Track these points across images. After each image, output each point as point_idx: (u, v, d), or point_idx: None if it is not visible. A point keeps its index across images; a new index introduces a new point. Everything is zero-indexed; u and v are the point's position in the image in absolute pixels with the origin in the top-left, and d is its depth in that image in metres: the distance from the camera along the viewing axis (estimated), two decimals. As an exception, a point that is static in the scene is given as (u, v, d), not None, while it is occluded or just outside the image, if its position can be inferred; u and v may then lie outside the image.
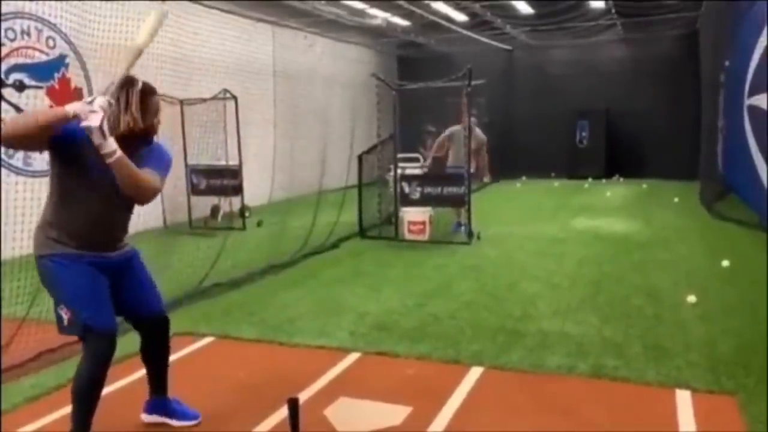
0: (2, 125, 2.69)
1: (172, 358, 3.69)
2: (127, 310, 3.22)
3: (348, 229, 9.06)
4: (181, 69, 9.49)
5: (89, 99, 2.78)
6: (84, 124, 2.70)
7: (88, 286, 2.98)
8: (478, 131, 9.32)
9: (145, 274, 3.28)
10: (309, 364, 4.29)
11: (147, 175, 2.92)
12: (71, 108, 2.73)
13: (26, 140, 2.79)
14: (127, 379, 3.97)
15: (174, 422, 3.43)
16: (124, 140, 2.84)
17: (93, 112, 2.71)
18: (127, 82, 2.94)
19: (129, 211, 3.15)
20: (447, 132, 9.32)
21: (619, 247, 8.05)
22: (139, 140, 3.00)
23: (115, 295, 3.10)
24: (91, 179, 2.91)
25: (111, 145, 2.75)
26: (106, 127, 2.73)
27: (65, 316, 2.97)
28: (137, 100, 2.94)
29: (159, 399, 3.44)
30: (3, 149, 8.17)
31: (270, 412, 3.53)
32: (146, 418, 3.47)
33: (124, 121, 2.90)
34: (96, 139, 2.72)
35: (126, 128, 2.90)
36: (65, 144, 2.84)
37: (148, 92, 3.01)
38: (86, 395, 2.98)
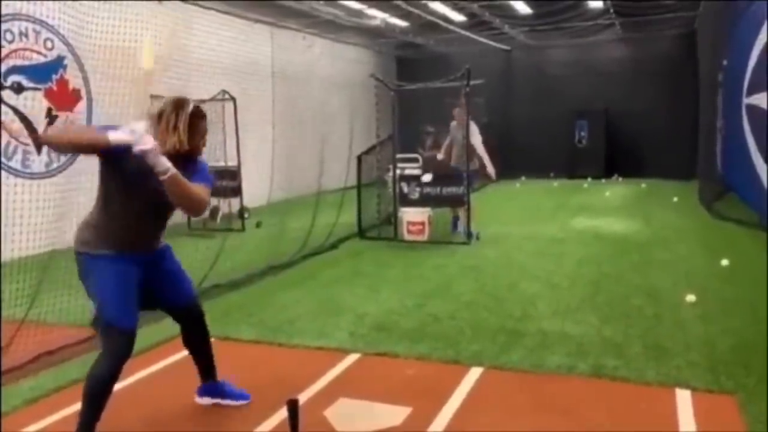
0: (48, 132, 2.91)
1: (172, 359, 3.71)
2: (167, 303, 3.42)
3: (347, 230, 9.06)
4: (179, 70, 9.47)
5: (131, 126, 2.90)
6: (138, 149, 2.84)
7: (118, 286, 3.11)
8: (474, 128, 9.20)
9: (177, 266, 3.46)
10: (308, 365, 4.29)
11: (198, 188, 3.08)
12: (114, 137, 2.87)
13: (66, 151, 3.08)
14: (134, 377, 3.96)
15: (226, 402, 3.65)
16: (168, 158, 2.95)
17: (142, 137, 2.85)
18: (178, 105, 3.10)
19: (166, 219, 3.32)
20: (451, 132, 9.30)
21: (618, 247, 8.05)
22: (183, 159, 3.11)
23: (151, 287, 3.26)
24: (132, 188, 3.07)
25: (165, 163, 2.90)
26: (157, 148, 2.89)
27: (94, 311, 3.13)
28: (186, 122, 3.09)
29: (210, 383, 3.64)
30: (2, 150, 8.16)
31: (270, 413, 3.53)
32: (200, 400, 3.67)
33: (171, 142, 3.05)
34: (151, 159, 2.87)
35: (172, 149, 3.04)
36: (115, 155, 2.97)
37: (197, 115, 3.17)
38: (99, 392, 3.08)
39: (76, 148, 3.18)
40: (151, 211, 3.17)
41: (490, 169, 9.27)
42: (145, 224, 3.21)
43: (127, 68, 6.73)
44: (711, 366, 4.07)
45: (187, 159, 3.15)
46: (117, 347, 3.09)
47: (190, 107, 3.12)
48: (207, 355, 3.63)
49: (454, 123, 9.20)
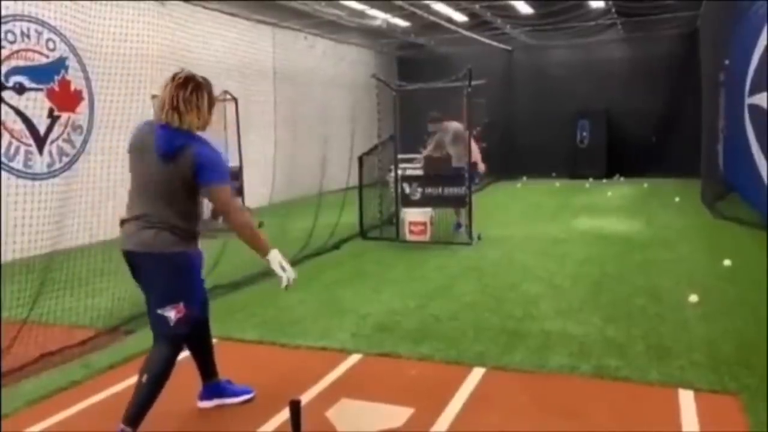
0: (245, 221, 3.33)
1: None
2: None
3: (349, 231, 9.05)
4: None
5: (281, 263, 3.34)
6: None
7: (201, 282, 3.44)
8: (455, 124, 9.17)
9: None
10: (311, 366, 4.28)
11: (240, 214, 3.40)
12: (275, 264, 3.38)
13: (245, 240, 3.35)
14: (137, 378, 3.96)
15: (231, 400, 3.67)
16: (177, 131, 3.14)
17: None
18: (197, 84, 3.20)
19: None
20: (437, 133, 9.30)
21: (620, 247, 8.03)
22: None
23: None
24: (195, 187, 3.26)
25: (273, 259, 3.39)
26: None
27: (178, 314, 3.21)
28: (208, 103, 3.27)
29: (211, 384, 3.66)
30: (3, 150, 8.17)
31: (272, 413, 3.53)
32: (203, 404, 3.66)
33: (192, 123, 3.20)
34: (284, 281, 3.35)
35: (193, 128, 3.22)
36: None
37: (211, 92, 3.30)
38: (159, 384, 3.21)
39: (250, 242, 3.39)
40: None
41: (481, 165, 9.35)
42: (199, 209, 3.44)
43: (129, 69, 6.74)
44: (714, 366, 4.06)
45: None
46: (184, 339, 3.35)
47: (210, 87, 3.25)
48: (209, 356, 3.67)
49: (442, 124, 9.15)
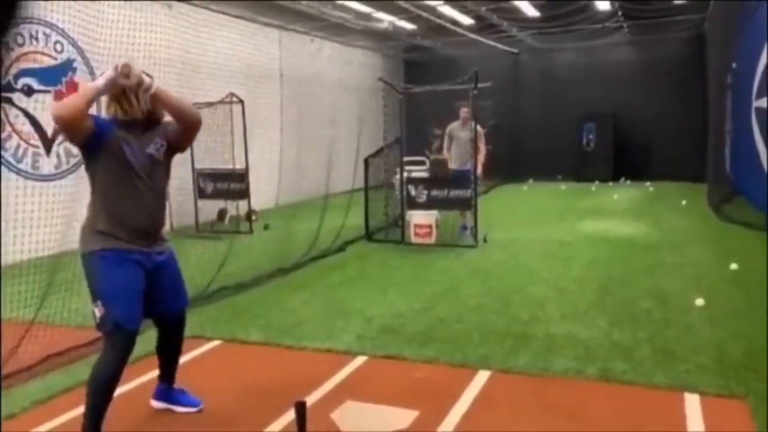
0: (56, 110, 3.00)
1: (180, 361, 3.71)
2: (157, 308, 3.37)
3: (354, 233, 9.06)
4: (188, 73, 9.52)
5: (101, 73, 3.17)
6: (117, 75, 3.06)
7: (127, 286, 3.15)
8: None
9: (179, 274, 3.50)
10: (316, 368, 4.29)
11: (183, 98, 3.29)
12: (101, 79, 3.09)
13: (76, 117, 2.96)
14: (136, 381, 3.97)
15: (178, 408, 3.62)
16: (136, 125, 3.16)
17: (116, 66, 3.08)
18: (129, 71, 3.14)
19: (164, 197, 3.38)
20: (447, 132, 9.30)
21: (626, 250, 8.01)
22: (149, 123, 3.26)
23: (150, 292, 3.25)
24: (130, 168, 3.14)
25: (146, 80, 3.11)
26: (135, 68, 3.10)
27: (98, 313, 3.12)
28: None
29: (167, 387, 3.64)
30: (11, 152, 8.21)
31: (277, 415, 3.53)
32: (155, 404, 3.65)
33: (134, 110, 3.18)
34: (134, 79, 3.07)
35: (138, 113, 3.18)
36: (102, 139, 3.07)
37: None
38: (102, 392, 3.11)
39: (79, 110, 2.98)
40: (149, 184, 3.22)
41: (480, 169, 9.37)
42: (151, 203, 3.26)
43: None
44: (720, 370, 4.04)
45: (152, 124, 3.28)
46: (124, 347, 3.15)
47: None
48: (176, 362, 3.65)
49: (456, 123, 9.16)
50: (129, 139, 3.15)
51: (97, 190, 3.19)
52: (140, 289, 3.20)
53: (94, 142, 3.07)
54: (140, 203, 3.19)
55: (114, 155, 3.11)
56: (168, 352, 3.60)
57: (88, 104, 3.00)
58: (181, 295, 3.51)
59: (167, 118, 3.34)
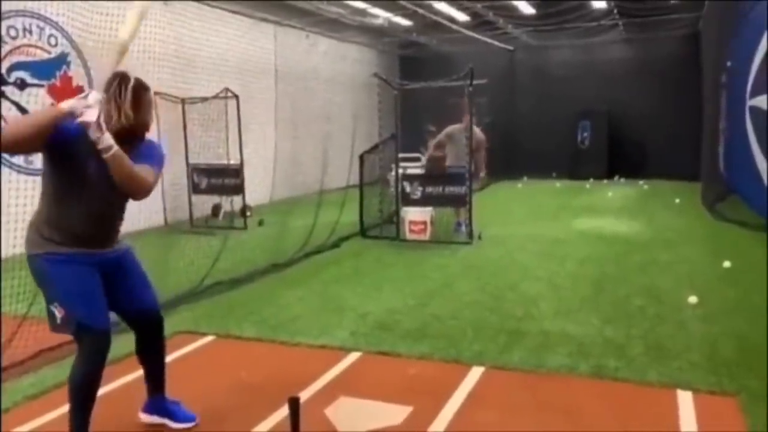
0: (1, 129, 2.67)
1: (174, 356, 3.70)
2: (121, 308, 3.19)
3: (349, 229, 9.05)
4: (182, 68, 9.49)
5: (83, 95, 2.78)
6: (81, 119, 2.71)
7: (82, 285, 2.96)
8: (477, 131, 9.29)
9: (138, 270, 3.24)
10: (310, 364, 4.28)
11: (142, 170, 2.91)
12: (66, 105, 2.73)
13: (26, 143, 2.74)
14: (125, 378, 3.96)
15: (172, 424, 3.40)
16: (116, 137, 2.82)
17: (88, 108, 2.72)
18: (120, 78, 2.92)
19: (122, 209, 3.12)
20: (445, 132, 9.31)
21: (620, 248, 8.03)
22: (131, 137, 2.95)
23: (109, 292, 3.07)
24: (86, 176, 2.88)
25: (108, 140, 2.75)
26: (102, 122, 2.75)
27: (59, 314, 2.94)
28: (130, 97, 2.91)
29: (157, 399, 3.41)
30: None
31: (271, 411, 3.52)
32: (144, 417, 3.44)
33: (115, 119, 2.87)
34: (93, 134, 2.72)
35: (118, 125, 2.87)
36: (60, 142, 2.79)
37: (141, 88, 2.97)
38: (82, 394, 2.98)
39: (36, 136, 2.70)
40: (106, 197, 2.95)
41: (483, 171, 9.39)
42: (101, 213, 3.01)
43: (131, 65, 6.72)
44: (713, 367, 4.06)
45: (136, 137, 2.98)
46: (96, 347, 2.98)
47: (132, 81, 2.93)
48: (159, 370, 3.39)
49: (458, 126, 9.16)
50: (95, 151, 2.79)
51: (48, 192, 2.98)
52: (96, 287, 3.01)
53: (51, 150, 2.85)
54: (92, 216, 2.97)
55: (74, 162, 2.86)
56: (146, 359, 3.35)
57: (40, 131, 2.70)
58: (146, 293, 3.25)
59: (151, 136, 3.12)
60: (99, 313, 3.00)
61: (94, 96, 2.77)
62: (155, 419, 3.43)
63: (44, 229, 2.96)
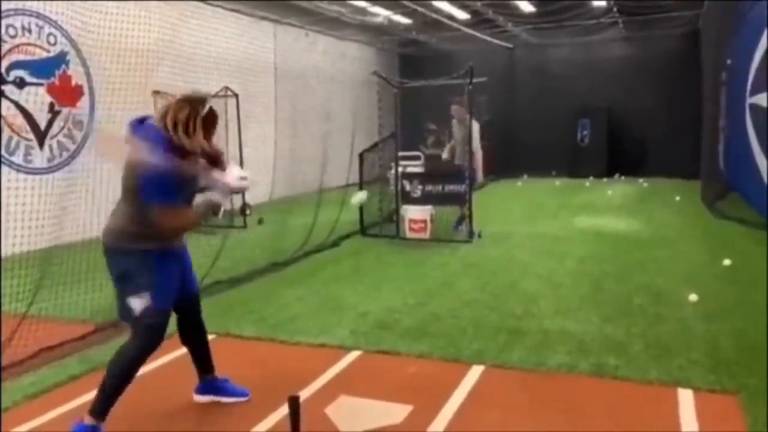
0: (165, 219, 3.09)
1: (174, 355, 3.70)
2: (181, 294, 3.44)
3: (349, 228, 9.05)
4: (182, 66, 9.46)
5: (242, 175, 3.40)
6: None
7: (174, 278, 3.30)
8: (475, 128, 9.20)
9: (191, 260, 3.59)
10: (310, 363, 4.28)
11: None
12: (235, 185, 3.41)
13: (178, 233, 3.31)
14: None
15: (225, 399, 3.65)
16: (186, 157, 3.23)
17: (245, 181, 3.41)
18: (196, 103, 3.41)
19: None
20: (455, 140, 9.32)
21: (620, 246, 8.03)
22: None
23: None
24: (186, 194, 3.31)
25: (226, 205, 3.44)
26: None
27: (142, 304, 3.16)
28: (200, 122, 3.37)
29: (208, 379, 3.65)
30: (3, 145, 8.16)
31: (271, 410, 3.52)
32: (199, 398, 3.66)
33: (195, 144, 3.26)
34: (224, 199, 3.41)
35: (198, 150, 3.29)
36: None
37: (214, 116, 3.48)
38: (126, 375, 3.18)
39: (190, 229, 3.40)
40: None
41: (479, 175, 9.37)
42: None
43: (130, 64, 6.73)
44: (713, 366, 4.06)
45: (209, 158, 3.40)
46: (155, 336, 3.22)
47: (206, 107, 3.34)
48: (205, 349, 3.66)
49: (454, 121, 9.19)
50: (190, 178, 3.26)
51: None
52: (179, 280, 3.37)
53: None
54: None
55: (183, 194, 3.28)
56: (193, 339, 3.61)
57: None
58: (194, 279, 3.62)
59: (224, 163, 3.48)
60: (172, 304, 3.34)
61: (243, 172, 3.38)
62: (208, 398, 3.65)
63: (146, 228, 3.16)
